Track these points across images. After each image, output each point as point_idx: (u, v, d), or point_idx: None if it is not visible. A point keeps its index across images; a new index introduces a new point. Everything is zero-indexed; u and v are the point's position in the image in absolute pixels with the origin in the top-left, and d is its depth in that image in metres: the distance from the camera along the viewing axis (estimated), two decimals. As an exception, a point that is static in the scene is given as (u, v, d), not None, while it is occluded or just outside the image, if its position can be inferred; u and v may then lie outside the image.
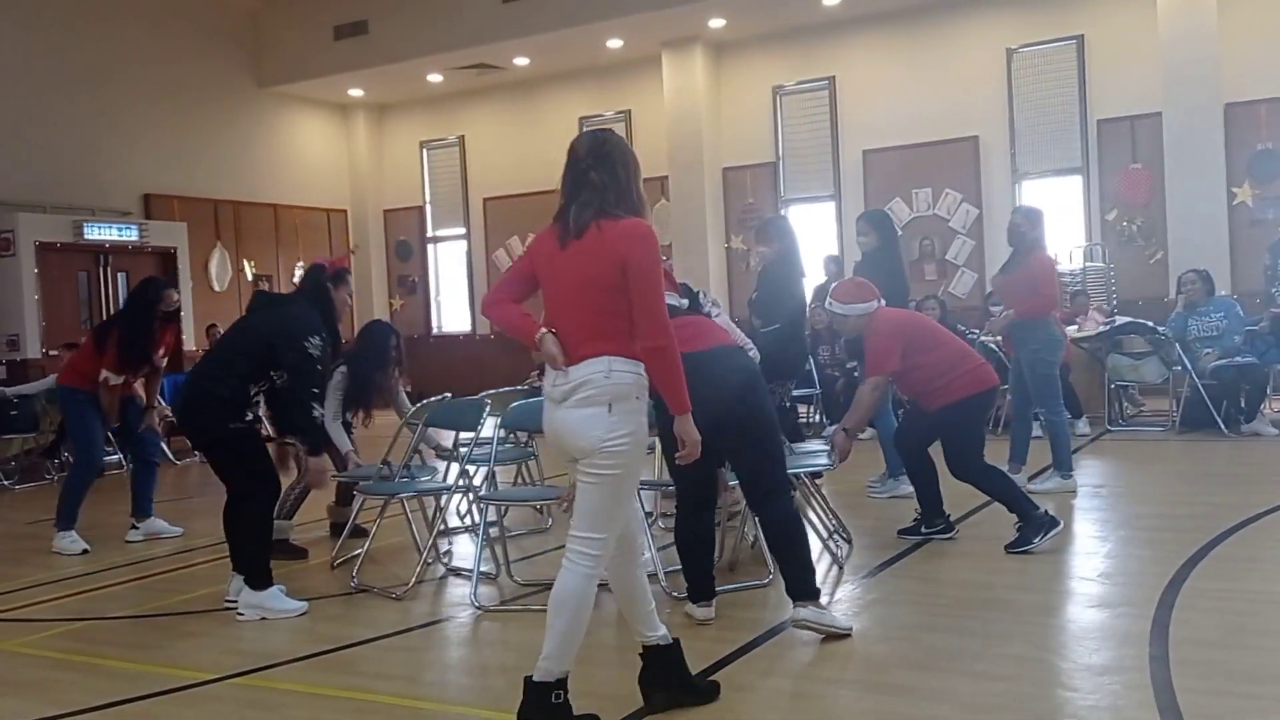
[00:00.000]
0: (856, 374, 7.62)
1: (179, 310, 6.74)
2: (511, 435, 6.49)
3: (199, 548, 6.34)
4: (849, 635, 3.95)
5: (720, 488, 4.62)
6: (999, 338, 8.22)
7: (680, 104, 13.66)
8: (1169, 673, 3.43)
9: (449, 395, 5.92)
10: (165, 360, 6.78)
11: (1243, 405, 8.75)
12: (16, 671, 4.18)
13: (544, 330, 3.10)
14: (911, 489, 6.44)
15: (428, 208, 16.41)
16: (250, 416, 4.74)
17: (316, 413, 4.71)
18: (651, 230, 3.15)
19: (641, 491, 5.01)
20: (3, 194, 11.74)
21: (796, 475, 5.30)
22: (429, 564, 5.37)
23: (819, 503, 5.49)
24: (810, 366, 9.14)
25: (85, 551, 6.34)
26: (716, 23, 13.09)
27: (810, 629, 3.94)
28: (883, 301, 5.58)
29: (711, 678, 3.49)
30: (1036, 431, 7.03)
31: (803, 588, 3.97)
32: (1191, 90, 11.18)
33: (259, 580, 4.71)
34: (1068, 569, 4.88)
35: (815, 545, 5.38)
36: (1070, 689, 3.40)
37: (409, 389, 6.68)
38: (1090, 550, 5.23)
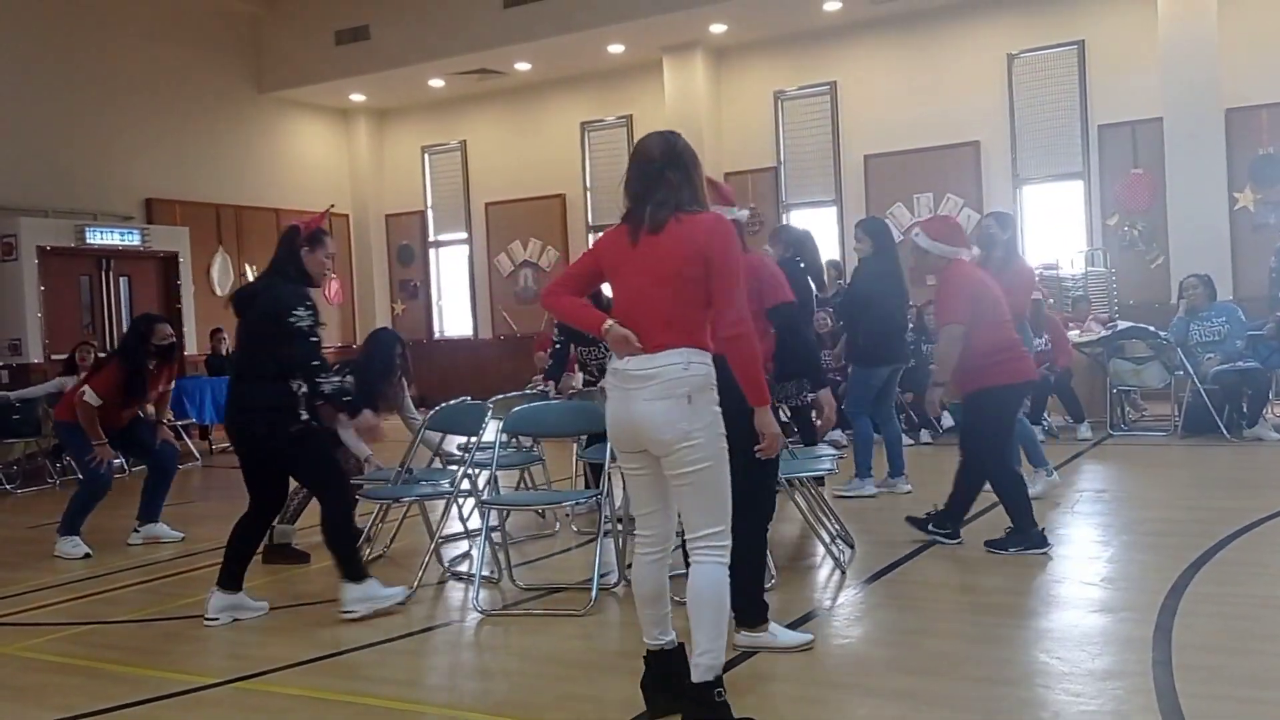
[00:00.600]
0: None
1: (173, 345, 6.67)
2: (514, 440, 6.48)
3: (201, 552, 6.34)
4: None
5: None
6: None
7: (681, 109, 13.67)
8: (1172, 678, 3.43)
9: (468, 399, 5.91)
10: (160, 395, 6.77)
11: (1245, 410, 8.74)
12: (17, 676, 4.18)
13: (610, 321, 3.14)
14: (874, 491, 6.82)
15: (429, 212, 16.42)
16: (305, 415, 4.61)
17: (327, 384, 4.59)
18: (730, 224, 3.25)
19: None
20: (5, 199, 11.76)
21: (800, 479, 5.31)
22: (438, 568, 5.37)
23: (822, 507, 5.48)
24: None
25: (87, 555, 6.35)
26: (718, 28, 13.11)
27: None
28: (974, 252, 5.45)
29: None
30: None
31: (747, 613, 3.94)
32: (1193, 95, 11.18)
33: (358, 573, 4.65)
34: (1070, 574, 4.88)
35: (819, 550, 5.39)
36: (1073, 694, 3.40)
37: (414, 395, 6.68)
38: (1093, 555, 5.23)
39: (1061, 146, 12.35)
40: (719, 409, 3.12)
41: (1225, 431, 8.57)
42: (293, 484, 5.19)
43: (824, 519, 5.42)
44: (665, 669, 3.32)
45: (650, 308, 3.10)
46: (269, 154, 15.18)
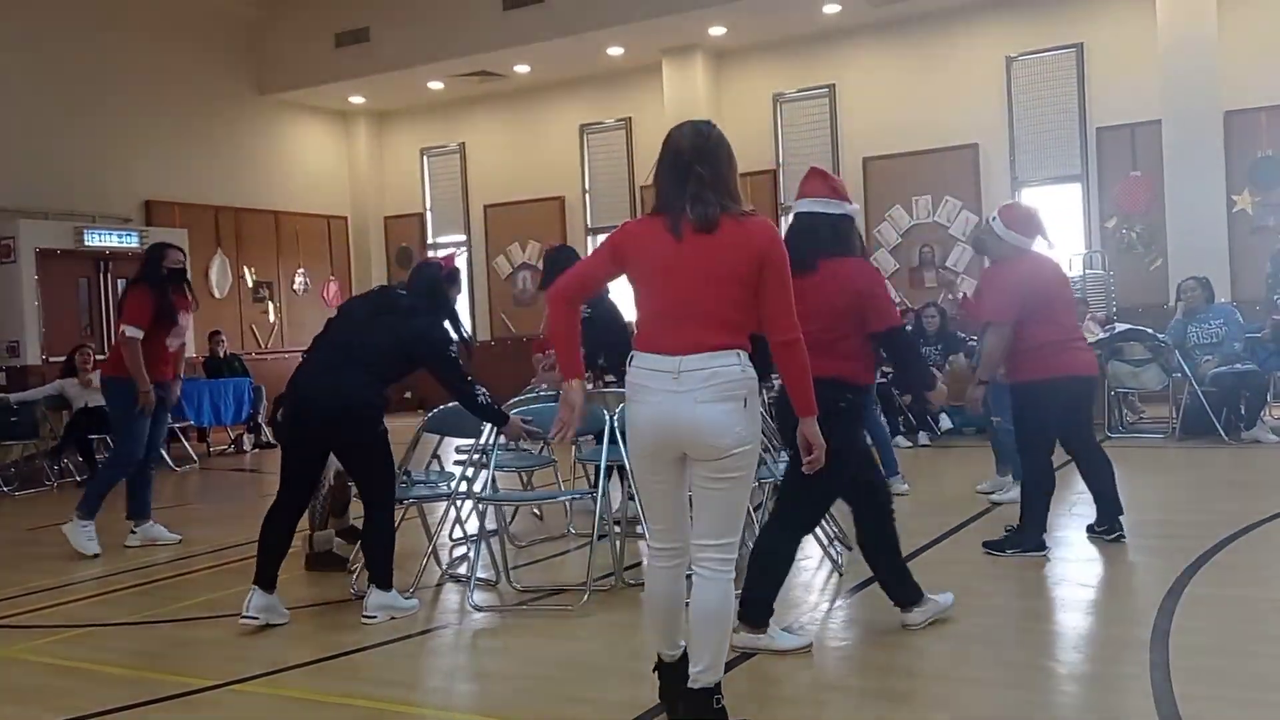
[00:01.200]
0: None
1: (184, 271, 6.76)
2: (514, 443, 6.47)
3: (198, 554, 6.34)
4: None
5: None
6: None
7: (681, 112, 13.61)
8: (1170, 680, 3.43)
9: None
10: (189, 323, 6.81)
11: (1243, 412, 8.74)
12: (16, 678, 4.18)
13: (575, 381, 3.10)
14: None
15: (428, 214, 16.42)
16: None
17: (481, 396, 4.78)
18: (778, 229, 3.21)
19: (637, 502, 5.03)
20: (3, 200, 11.75)
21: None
22: (436, 570, 5.37)
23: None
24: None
25: (96, 555, 6.30)
26: (717, 31, 13.12)
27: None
28: (1048, 245, 5.35)
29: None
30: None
31: (753, 612, 3.95)
32: (1191, 98, 11.20)
33: (387, 581, 4.69)
34: (1067, 576, 4.88)
35: (816, 552, 5.39)
36: (1071, 696, 3.40)
37: (407, 395, 6.66)
38: (1090, 557, 5.23)
39: (1060, 149, 12.36)
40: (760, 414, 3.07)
41: (1223, 433, 8.58)
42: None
43: (821, 521, 5.41)
44: (684, 677, 3.25)
45: (704, 308, 2.97)
46: (268, 156, 15.19)
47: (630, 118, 14.63)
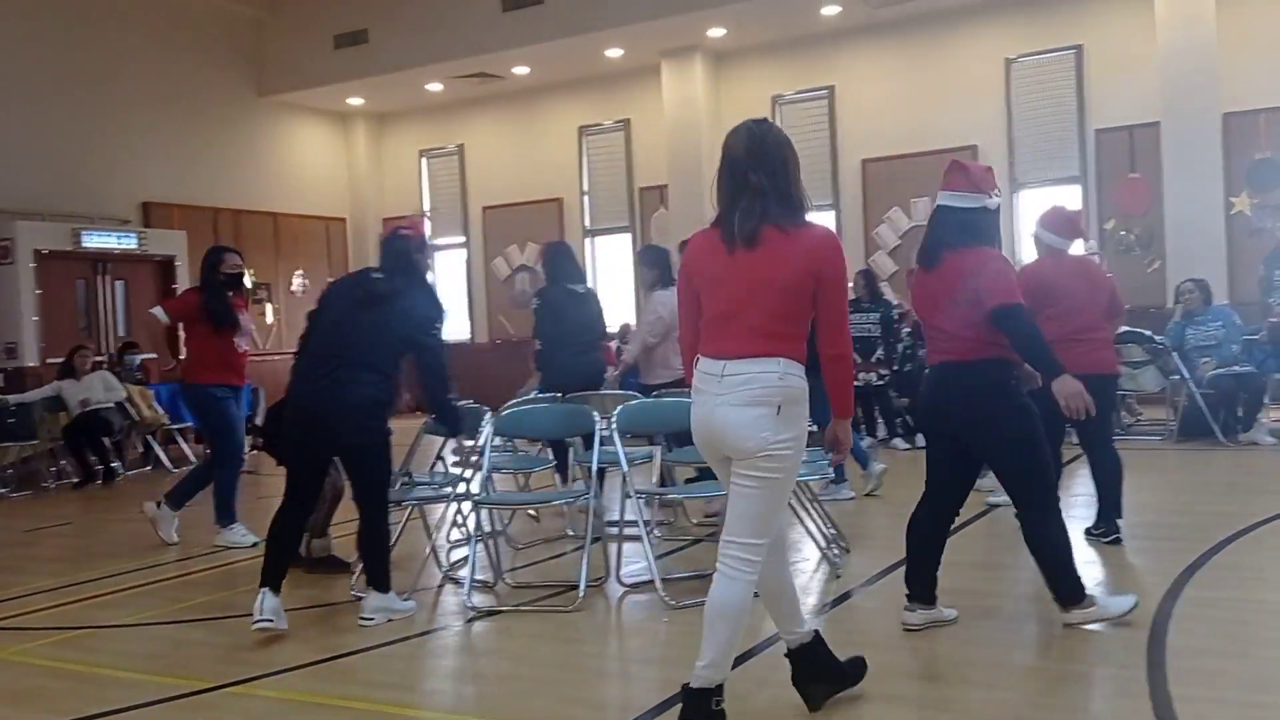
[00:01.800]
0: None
1: (241, 276, 6.75)
2: (510, 442, 6.48)
3: (198, 555, 6.33)
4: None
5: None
6: None
7: (680, 113, 13.69)
8: (1167, 682, 3.43)
9: (472, 401, 5.88)
10: (251, 324, 6.86)
11: (1240, 414, 8.75)
12: (13, 680, 4.17)
13: None
14: (850, 495, 6.86)
15: (427, 216, 16.42)
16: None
17: (454, 395, 4.72)
18: (837, 237, 3.23)
19: (640, 499, 5.04)
20: (1, 202, 11.74)
21: (799, 483, 5.31)
22: (436, 572, 5.37)
23: (816, 511, 5.48)
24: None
25: (255, 544, 6.19)
26: (716, 32, 13.13)
27: (1079, 625, 4.00)
28: (1086, 247, 5.41)
29: (853, 656, 3.48)
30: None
31: (1066, 592, 4.01)
32: (1190, 100, 11.20)
33: (385, 583, 4.65)
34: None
35: (814, 554, 5.40)
36: (1069, 698, 3.40)
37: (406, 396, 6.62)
38: (1088, 559, 5.22)
39: (1059, 151, 12.37)
40: (806, 424, 3.09)
41: (1221, 436, 8.59)
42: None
43: (819, 523, 5.42)
44: (812, 660, 3.32)
45: (749, 314, 3.04)
46: (267, 158, 15.18)
47: (629, 119, 14.63)
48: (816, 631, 3.37)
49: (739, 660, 3.85)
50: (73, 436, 9.93)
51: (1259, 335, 9.17)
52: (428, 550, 5.43)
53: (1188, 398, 8.84)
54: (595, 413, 5.24)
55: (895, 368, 9.63)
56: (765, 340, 3.02)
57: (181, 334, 7.52)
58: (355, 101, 15.68)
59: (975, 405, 3.95)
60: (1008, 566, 5.07)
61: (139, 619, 5.01)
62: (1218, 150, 11.30)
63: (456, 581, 5.30)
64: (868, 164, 13.16)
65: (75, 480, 9.93)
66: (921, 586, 4.12)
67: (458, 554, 6.01)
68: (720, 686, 3.09)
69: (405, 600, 4.77)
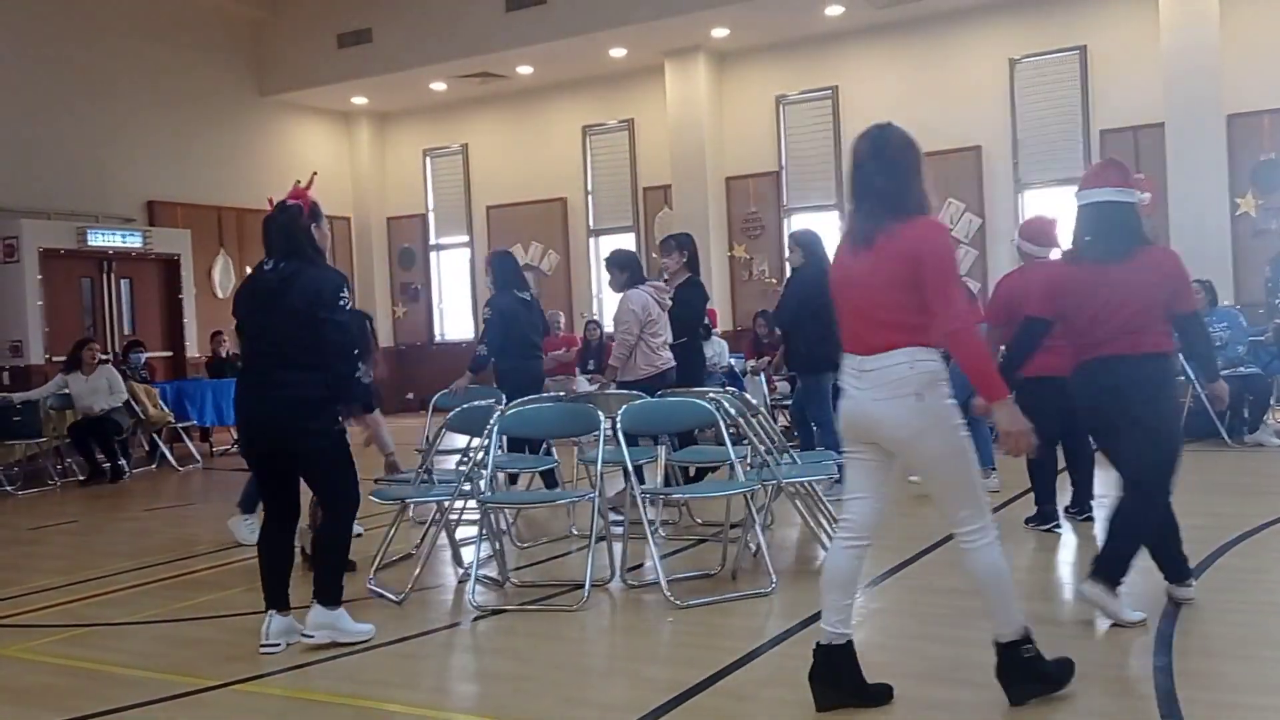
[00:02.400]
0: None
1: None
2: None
3: (200, 554, 6.34)
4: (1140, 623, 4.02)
5: None
6: None
7: (683, 113, 13.68)
8: (1173, 683, 3.42)
9: (478, 401, 5.87)
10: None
11: (1246, 415, 8.74)
12: (18, 677, 4.18)
13: None
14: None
15: (430, 215, 16.43)
16: (340, 412, 4.36)
17: (366, 375, 4.46)
18: (941, 225, 3.32)
19: (646, 498, 5.03)
20: (7, 200, 11.76)
21: (805, 483, 5.31)
22: (435, 570, 5.36)
23: (822, 511, 5.48)
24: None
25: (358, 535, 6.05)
26: (719, 32, 13.12)
27: (1086, 599, 4.07)
28: (1059, 255, 5.49)
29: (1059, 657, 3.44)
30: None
31: (1110, 570, 4.02)
32: (1194, 101, 11.18)
33: (334, 598, 4.32)
34: (1070, 579, 4.87)
35: (820, 554, 5.39)
36: (1073, 700, 3.39)
37: (381, 377, 6.45)
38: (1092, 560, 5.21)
39: (1063, 151, 12.34)
40: (952, 402, 3.17)
41: (1226, 437, 8.57)
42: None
43: (825, 523, 5.42)
44: (836, 665, 3.32)
45: (872, 311, 3.20)
46: (271, 157, 15.18)
47: (633, 119, 14.63)
48: (851, 642, 3.34)
49: (742, 660, 3.85)
50: (80, 435, 9.94)
51: (1264, 336, 9.16)
52: (427, 551, 5.42)
53: (1193, 399, 8.82)
54: (600, 412, 5.23)
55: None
56: (890, 332, 3.15)
57: None
58: (359, 101, 15.69)
59: (1142, 397, 4.15)
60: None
61: (143, 617, 5.02)
62: (1222, 151, 11.28)
63: (463, 580, 5.30)
64: (872, 164, 13.12)
65: (81, 478, 9.94)
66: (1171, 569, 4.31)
67: (468, 553, 6.02)
68: (1027, 633, 3.26)
69: (361, 624, 4.38)
